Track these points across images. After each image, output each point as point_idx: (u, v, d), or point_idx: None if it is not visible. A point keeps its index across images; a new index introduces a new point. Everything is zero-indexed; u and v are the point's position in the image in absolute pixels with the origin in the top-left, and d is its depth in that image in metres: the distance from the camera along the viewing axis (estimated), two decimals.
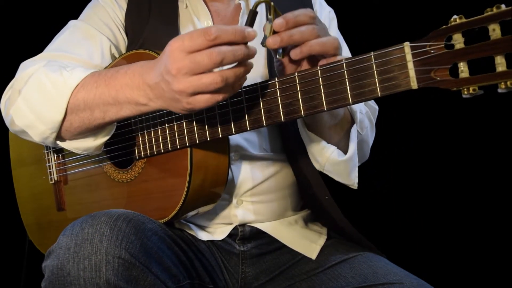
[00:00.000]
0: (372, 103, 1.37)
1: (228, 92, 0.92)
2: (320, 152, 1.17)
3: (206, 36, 0.86)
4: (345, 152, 1.16)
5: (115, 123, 1.15)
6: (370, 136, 1.31)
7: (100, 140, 1.15)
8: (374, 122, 1.34)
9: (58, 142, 1.17)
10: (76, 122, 1.10)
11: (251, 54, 0.90)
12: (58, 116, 1.09)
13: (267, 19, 0.94)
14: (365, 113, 1.28)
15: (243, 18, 1.29)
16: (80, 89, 1.08)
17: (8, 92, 1.23)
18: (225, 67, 0.90)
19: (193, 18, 1.30)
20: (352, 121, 1.18)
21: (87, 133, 1.13)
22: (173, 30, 1.27)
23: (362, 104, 1.28)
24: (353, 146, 1.15)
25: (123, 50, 1.31)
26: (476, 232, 1.93)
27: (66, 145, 1.17)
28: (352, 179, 1.20)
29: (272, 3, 0.92)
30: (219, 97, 0.91)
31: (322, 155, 1.16)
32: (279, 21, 0.93)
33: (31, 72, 1.16)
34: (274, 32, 0.94)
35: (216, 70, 0.89)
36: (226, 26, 0.88)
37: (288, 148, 1.24)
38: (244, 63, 0.91)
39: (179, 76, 0.89)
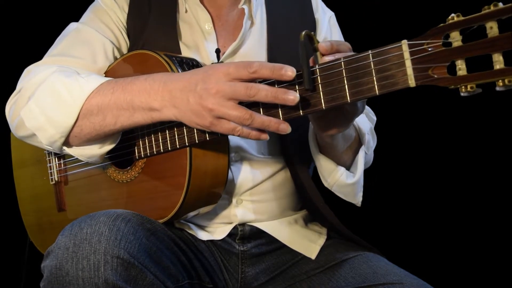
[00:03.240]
0: (371, 114, 1.40)
1: (244, 132, 0.96)
2: (329, 174, 1.21)
3: (248, 69, 0.94)
4: (350, 166, 1.22)
5: (120, 132, 1.15)
6: (373, 149, 1.35)
7: (106, 148, 1.16)
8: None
9: (64, 147, 1.17)
10: (87, 128, 1.10)
11: (280, 98, 0.92)
12: (69, 120, 1.10)
13: (313, 49, 0.96)
14: (369, 130, 1.31)
15: (247, 23, 1.30)
16: (96, 94, 1.08)
17: (14, 98, 1.23)
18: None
19: (193, 22, 1.30)
20: (359, 141, 1.22)
21: (94, 141, 1.14)
22: (171, 32, 1.27)
23: (367, 122, 1.32)
24: (360, 170, 1.21)
25: (125, 52, 1.31)
26: (476, 232, 1.93)
27: (72, 151, 1.17)
28: (357, 199, 1.25)
29: (313, 33, 0.96)
30: (237, 129, 0.96)
31: (332, 177, 1.21)
32: (326, 44, 0.95)
33: (43, 78, 1.15)
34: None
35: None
36: (267, 63, 0.93)
37: (286, 153, 1.25)
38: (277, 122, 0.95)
39: (216, 96, 0.94)
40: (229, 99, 0.94)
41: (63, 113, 1.10)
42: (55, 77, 1.13)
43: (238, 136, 0.97)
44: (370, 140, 1.28)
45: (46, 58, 1.27)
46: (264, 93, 0.93)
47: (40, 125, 1.13)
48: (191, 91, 0.97)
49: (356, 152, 1.22)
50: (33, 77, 1.18)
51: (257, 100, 0.94)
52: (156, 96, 1.01)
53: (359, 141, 1.23)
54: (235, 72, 0.94)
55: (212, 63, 1.22)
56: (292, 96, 0.92)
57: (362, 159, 1.21)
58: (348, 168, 1.23)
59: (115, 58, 1.28)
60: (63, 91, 1.10)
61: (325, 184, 1.24)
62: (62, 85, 1.11)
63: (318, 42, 0.95)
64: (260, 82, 0.96)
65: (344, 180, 1.20)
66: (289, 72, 0.92)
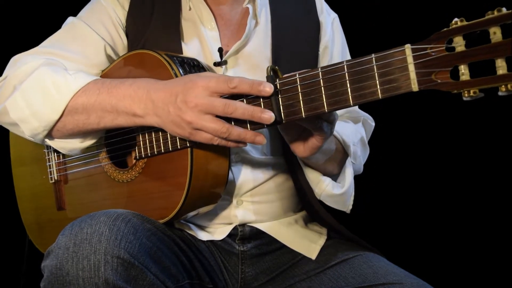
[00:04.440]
0: (370, 120, 1.41)
1: (222, 142, 1.00)
2: (316, 185, 1.22)
3: (228, 84, 0.97)
4: (338, 175, 1.24)
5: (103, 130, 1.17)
6: (363, 159, 1.37)
7: (87, 142, 1.18)
8: (367, 141, 1.39)
9: (46, 140, 1.19)
10: (70, 124, 1.13)
11: (256, 117, 0.96)
12: (54, 116, 1.12)
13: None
14: (359, 140, 1.32)
15: (251, 22, 1.29)
16: (82, 93, 1.11)
17: None
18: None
19: (196, 20, 1.29)
20: (345, 151, 1.23)
21: (76, 135, 1.16)
22: (174, 31, 1.27)
23: (355, 130, 1.33)
24: (348, 181, 1.23)
25: (120, 51, 1.30)
26: (476, 232, 1.94)
27: (53, 143, 1.20)
28: (346, 206, 1.27)
29: (277, 67, 1.00)
30: (215, 140, 1.00)
31: (319, 187, 1.22)
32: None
33: (30, 69, 1.17)
34: None
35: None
36: (247, 79, 0.97)
37: (287, 153, 1.25)
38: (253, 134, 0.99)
39: (194, 110, 0.97)
40: (206, 113, 0.97)
41: (48, 108, 1.13)
42: (43, 71, 1.15)
43: (216, 144, 1.00)
44: (357, 151, 1.30)
45: (35, 48, 1.27)
46: (241, 111, 0.96)
47: (25, 117, 1.15)
48: (171, 102, 1.00)
49: (341, 162, 1.24)
50: (20, 66, 1.19)
51: (234, 117, 0.98)
52: (140, 104, 1.04)
53: (343, 152, 1.24)
54: (215, 86, 0.97)
55: (214, 62, 1.23)
56: (268, 116, 0.96)
57: (350, 171, 1.23)
58: (335, 177, 1.24)
59: (108, 56, 1.27)
60: (50, 87, 1.12)
61: (315, 194, 1.25)
62: (50, 80, 1.13)
63: (282, 75, 0.99)
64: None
65: (330, 190, 1.21)
66: (267, 88, 0.95)
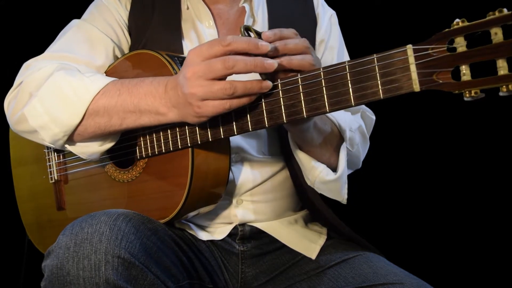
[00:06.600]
0: (369, 113, 1.39)
1: (234, 103, 0.94)
2: (310, 171, 1.18)
3: (221, 43, 0.92)
4: (336, 167, 1.19)
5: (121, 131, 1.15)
6: (362, 150, 1.33)
7: (106, 145, 1.16)
8: (368, 134, 1.36)
9: (66, 145, 1.17)
10: (91, 128, 1.11)
11: (259, 65, 0.91)
12: (74, 120, 1.10)
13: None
14: (357, 128, 1.29)
15: (248, 21, 1.30)
16: (102, 95, 1.09)
17: (13, 92, 1.23)
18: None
19: (194, 19, 1.30)
20: (341, 136, 1.20)
21: (97, 139, 1.14)
22: (175, 31, 1.27)
23: (354, 119, 1.31)
24: (342, 166, 1.18)
25: (126, 51, 1.31)
26: (476, 232, 1.94)
27: (74, 148, 1.18)
28: (341, 195, 1.22)
29: (250, 26, 0.98)
30: (226, 104, 0.94)
31: (312, 173, 1.18)
32: (269, 32, 0.96)
33: (45, 74, 1.15)
34: None
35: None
36: (241, 37, 0.92)
37: (286, 152, 1.25)
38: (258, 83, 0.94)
39: (193, 79, 0.93)
40: (206, 78, 0.93)
41: (69, 113, 1.10)
42: (59, 75, 1.13)
43: (229, 108, 0.95)
44: (355, 138, 1.26)
45: (46, 53, 1.26)
46: (242, 63, 0.91)
47: (44, 123, 1.13)
48: (178, 84, 0.98)
49: (338, 149, 1.20)
50: (34, 72, 1.18)
51: (237, 72, 0.92)
52: (161, 100, 1.03)
53: (339, 137, 1.20)
54: (208, 49, 0.93)
55: None
56: (271, 62, 0.91)
57: (344, 156, 1.19)
58: (334, 168, 1.21)
59: (115, 57, 1.28)
60: (69, 91, 1.10)
61: (308, 183, 1.22)
62: (67, 84, 1.11)
63: (258, 32, 0.96)
64: None
65: (324, 176, 1.17)
66: (265, 45, 0.92)
